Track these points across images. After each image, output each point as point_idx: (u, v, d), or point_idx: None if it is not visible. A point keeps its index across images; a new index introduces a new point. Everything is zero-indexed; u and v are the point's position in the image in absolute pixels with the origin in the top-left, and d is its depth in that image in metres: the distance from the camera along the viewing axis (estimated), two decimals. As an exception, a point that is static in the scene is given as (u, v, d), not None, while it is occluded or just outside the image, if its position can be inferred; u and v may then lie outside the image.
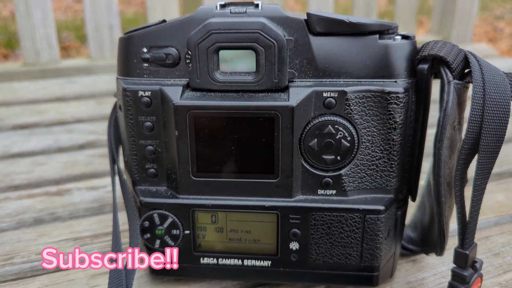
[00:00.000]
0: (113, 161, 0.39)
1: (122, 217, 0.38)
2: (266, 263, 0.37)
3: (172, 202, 0.36)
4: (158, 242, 0.37)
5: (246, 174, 0.35)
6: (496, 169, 0.60)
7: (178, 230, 0.36)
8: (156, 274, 0.38)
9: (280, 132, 0.33)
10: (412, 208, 0.42)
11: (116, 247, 0.35)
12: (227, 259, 0.37)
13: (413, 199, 0.38)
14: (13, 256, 0.45)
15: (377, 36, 0.33)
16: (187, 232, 0.36)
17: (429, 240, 0.40)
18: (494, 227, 0.49)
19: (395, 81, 0.33)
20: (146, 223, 0.36)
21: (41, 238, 0.47)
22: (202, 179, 0.35)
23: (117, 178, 0.40)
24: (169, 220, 0.36)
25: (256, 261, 0.37)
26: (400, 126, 0.34)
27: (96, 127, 0.76)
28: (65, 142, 0.71)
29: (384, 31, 0.33)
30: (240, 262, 0.37)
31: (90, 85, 0.93)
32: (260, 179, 0.35)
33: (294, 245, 0.36)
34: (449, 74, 0.32)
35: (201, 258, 0.37)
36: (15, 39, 2.49)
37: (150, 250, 0.37)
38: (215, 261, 0.37)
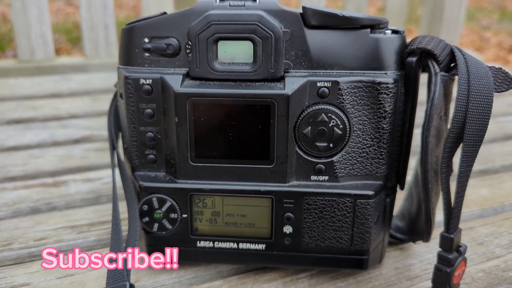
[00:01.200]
0: (113, 147, 0.40)
1: (121, 206, 0.39)
2: (261, 246, 0.38)
3: (170, 186, 0.37)
4: (156, 225, 0.38)
5: (242, 160, 0.36)
6: (480, 166, 0.63)
7: (176, 214, 0.38)
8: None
9: (276, 119, 0.35)
10: (399, 201, 0.43)
11: (117, 234, 0.36)
12: (223, 243, 0.38)
13: (402, 187, 0.40)
14: (11, 242, 0.45)
15: (369, 30, 0.35)
16: (184, 215, 0.38)
17: (416, 228, 0.42)
18: (478, 219, 0.51)
19: (385, 73, 0.35)
20: (145, 207, 0.38)
21: (38, 226, 0.48)
22: (200, 164, 0.37)
23: (116, 170, 0.41)
24: (168, 204, 0.37)
25: (251, 244, 0.38)
26: (389, 115, 0.35)
27: (92, 123, 0.77)
28: (61, 137, 0.71)
29: (375, 25, 0.35)
30: (235, 245, 0.38)
31: (85, 82, 0.94)
32: (256, 165, 0.36)
33: (287, 229, 0.38)
34: (436, 67, 0.34)
35: (198, 242, 0.38)
36: (5, 40, 2.48)
37: (148, 234, 0.39)
38: (211, 244, 0.39)
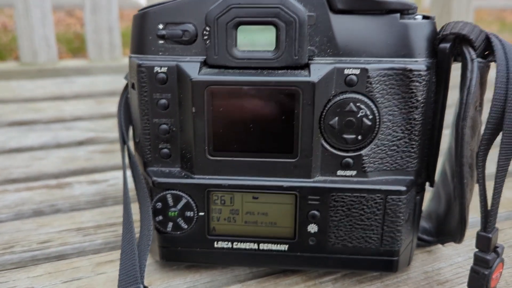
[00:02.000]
0: (123, 142, 0.38)
1: (132, 208, 0.37)
2: (283, 247, 0.36)
3: (186, 182, 0.34)
4: (170, 225, 0.35)
5: (264, 153, 0.34)
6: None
7: (192, 212, 0.35)
8: (166, 260, 0.37)
9: (301, 109, 0.32)
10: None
11: (129, 233, 0.33)
12: (242, 243, 0.36)
13: (431, 184, 0.37)
14: (13, 245, 0.43)
15: (398, 15, 0.33)
16: (201, 214, 0.35)
17: (446, 229, 0.40)
18: (506, 221, 0.48)
19: (416, 61, 0.33)
20: (159, 205, 0.35)
21: (42, 228, 0.46)
22: (218, 158, 0.34)
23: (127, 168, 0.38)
24: (183, 201, 0.35)
25: (273, 245, 0.36)
26: (422, 105, 0.33)
27: (96, 125, 0.75)
28: (64, 139, 0.69)
29: (404, 10, 0.33)
30: (255, 246, 0.36)
31: (88, 85, 0.92)
32: (279, 159, 0.34)
33: (312, 228, 0.35)
34: (472, 52, 0.32)
35: (215, 242, 0.36)
36: (6, 50, 2.47)
37: (161, 234, 0.36)
38: (229, 245, 0.36)
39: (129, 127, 0.39)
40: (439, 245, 0.42)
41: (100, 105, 0.83)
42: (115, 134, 0.71)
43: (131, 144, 0.39)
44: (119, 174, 0.59)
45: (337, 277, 0.38)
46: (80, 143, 0.68)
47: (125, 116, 0.39)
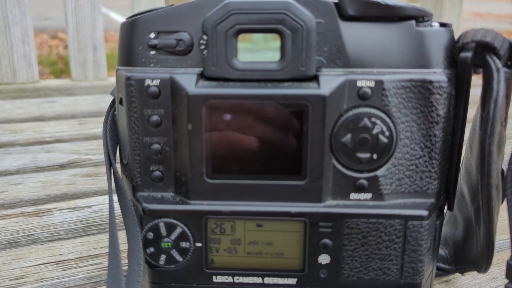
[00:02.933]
0: (109, 164, 0.34)
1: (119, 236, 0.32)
2: (291, 281, 0.32)
3: (182, 208, 0.31)
4: (163, 257, 0.31)
5: (269, 175, 0.30)
6: None
7: (188, 243, 0.31)
8: (158, 297, 0.32)
9: (310, 125, 0.29)
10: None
11: (115, 269, 0.29)
12: (244, 277, 0.32)
13: (450, 207, 0.34)
14: (-18, 282, 0.38)
15: (414, 22, 0.30)
16: (198, 244, 0.31)
17: (465, 257, 0.36)
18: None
19: (434, 72, 0.30)
20: (150, 235, 0.31)
21: (16, 262, 0.41)
22: (218, 181, 0.30)
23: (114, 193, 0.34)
24: (178, 230, 0.31)
25: (279, 278, 0.32)
26: (442, 120, 0.30)
27: (79, 147, 0.70)
28: (44, 162, 0.64)
29: (419, 17, 0.30)
30: (260, 280, 0.32)
31: (71, 105, 0.87)
32: (286, 181, 0.30)
33: (324, 259, 0.31)
34: (498, 62, 0.29)
35: (214, 277, 0.32)
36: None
37: (153, 268, 0.32)
38: (230, 279, 0.32)
39: (116, 148, 0.35)
40: (457, 274, 0.39)
41: (83, 126, 0.79)
42: (99, 156, 0.67)
43: (118, 167, 0.35)
44: (103, 199, 0.54)
45: (350, 313, 0.34)
46: (62, 167, 0.63)
47: (112, 136, 0.35)
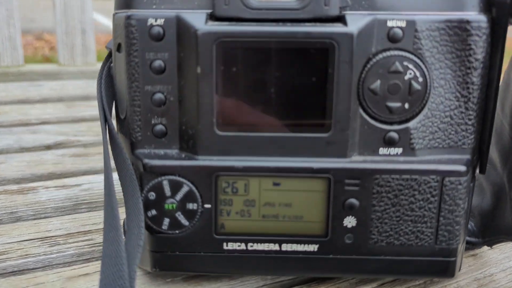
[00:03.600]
0: (105, 120, 0.30)
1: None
2: (312, 247, 0.28)
3: (189, 164, 0.27)
4: (166, 221, 0.27)
5: (288, 126, 0.27)
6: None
7: (195, 204, 0.27)
8: (160, 269, 0.29)
9: (336, 68, 0.26)
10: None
11: (113, 231, 0.25)
12: (259, 244, 0.28)
13: (482, 170, 0.31)
14: (-41, 259, 0.33)
15: None
16: (207, 206, 0.27)
17: (494, 228, 0.33)
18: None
19: (469, 15, 0.27)
20: (152, 195, 0.27)
21: (-3, 238, 0.37)
22: (230, 133, 0.27)
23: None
24: (184, 190, 0.27)
25: (299, 245, 0.28)
26: (481, 65, 0.27)
27: (66, 129, 0.66)
28: (29, 143, 0.60)
29: None
30: (277, 247, 0.28)
31: (58, 89, 0.83)
32: (307, 133, 0.27)
33: (349, 222, 0.27)
34: None
35: (225, 244, 0.28)
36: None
37: (154, 234, 0.28)
38: (243, 246, 0.28)
39: (112, 104, 0.31)
40: (484, 248, 0.36)
41: (71, 109, 0.74)
42: (89, 137, 0.63)
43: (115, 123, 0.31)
44: (94, 178, 0.50)
45: (374, 287, 0.31)
46: (48, 147, 0.59)
47: (107, 90, 0.31)
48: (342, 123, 0.26)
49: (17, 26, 0.88)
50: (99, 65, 0.95)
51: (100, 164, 0.52)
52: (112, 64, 0.31)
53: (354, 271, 0.29)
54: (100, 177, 0.48)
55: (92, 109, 0.73)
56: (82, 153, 0.57)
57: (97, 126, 0.63)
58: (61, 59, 0.93)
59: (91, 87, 0.84)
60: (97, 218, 0.41)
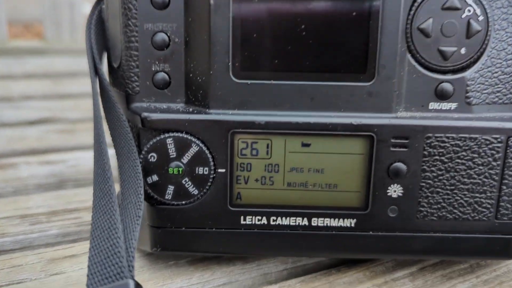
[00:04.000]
0: (95, 69, 0.25)
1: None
2: (348, 222, 0.23)
3: (198, 118, 0.22)
4: (171, 190, 0.22)
5: (322, 73, 0.22)
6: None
7: (206, 168, 0.22)
8: (161, 249, 0.24)
9: (381, 3, 0.21)
10: None
11: (107, 204, 0.20)
12: (284, 218, 0.23)
13: None
14: None
15: None
16: (221, 171, 0.22)
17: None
18: None
19: None
20: (153, 157, 0.22)
21: (-31, 216, 0.31)
22: (250, 81, 0.22)
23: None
24: (193, 150, 0.22)
25: (332, 220, 0.23)
26: None
27: (52, 105, 0.60)
28: (10, 118, 0.55)
29: None
30: (305, 221, 0.23)
31: (44, 66, 0.77)
32: (345, 82, 0.22)
33: (394, 191, 0.23)
34: None
35: (241, 217, 0.23)
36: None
37: (155, 206, 0.23)
38: (264, 221, 0.23)
39: (103, 52, 0.26)
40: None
41: (58, 86, 0.69)
42: (77, 113, 0.57)
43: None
44: (83, 154, 0.45)
45: (414, 272, 0.26)
46: (31, 123, 0.54)
47: (97, 36, 0.26)
48: (387, 69, 0.22)
49: (1, 3, 0.82)
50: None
51: (89, 140, 0.47)
52: (104, 6, 0.25)
53: (396, 251, 0.24)
54: (89, 154, 0.43)
55: (81, 85, 0.68)
56: (68, 129, 0.52)
57: (85, 103, 0.58)
58: (47, 36, 0.87)
59: (79, 65, 0.78)
60: (85, 195, 0.36)
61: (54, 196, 0.35)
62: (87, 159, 0.43)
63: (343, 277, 0.25)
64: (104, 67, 0.26)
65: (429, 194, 0.23)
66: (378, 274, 0.26)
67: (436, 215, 0.23)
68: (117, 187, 0.21)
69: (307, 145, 0.22)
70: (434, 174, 0.22)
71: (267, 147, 0.22)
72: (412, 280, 0.25)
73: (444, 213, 0.23)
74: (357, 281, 0.25)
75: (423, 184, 0.23)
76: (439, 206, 0.23)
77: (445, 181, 0.23)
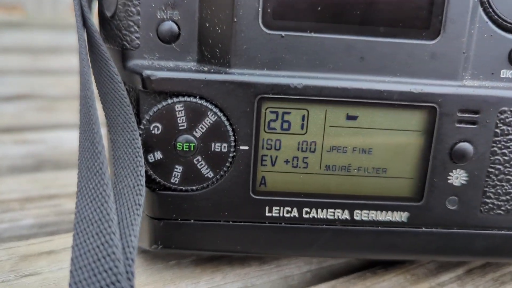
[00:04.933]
0: (83, 20, 0.20)
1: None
2: (399, 217, 0.19)
3: (217, 79, 0.17)
4: (179, 171, 0.17)
5: (375, 27, 0.17)
6: None
7: (225, 144, 0.17)
8: (164, 246, 0.19)
9: None
10: None
11: (96, 169, 0.15)
12: (320, 210, 0.18)
13: None
14: None
15: None
16: (243, 148, 0.18)
17: None
18: None
19: None
20: (156, 128, 0.17)
21: None
22: (284, 32, 0.17)
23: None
24: (209, 120, 0.17)
25: (380, 213, 0.19)
26: None
27: (31, 81, 0.55)
28: (-18, 94, 0.49)
29: None
30: (346, 215, 0.18)
31: (24, 39, 0.71)
32: (403, 39, 0.17)
33: (457, 177, 0.18)
34: None
35: (267, 208, 0.18)
36: None
37: (158, 192, 0.18)
38: (294, 213, 0.18)
39: (93, 1, 0.21)
40: None
41: (38, 62, 0.63)
42: (58, 90, 0.52)
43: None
44: (65, 134, 0.40)
45: (461, 275, 0.22)
46: (8, 99, 0.48)
47: None
48: (456, 25, 0.17)
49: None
50: (71, 18, 0.84)
51: (72, 119, 0.42)
52: None
53: (453, 251, 0.19)
54: (72, 134, 0.38)
55: (63, 61, 0.62)
56: (49, 107, 0.47)
57: (68, 80, 0.52)
58: (28, 8, 0.81)
59: (61, 40, 0.73)
60: (67, 179, 0.31)
61: (30, 179, 0.30)
62: (69, 139, 0.38)
63: (381, 281, 0.21)
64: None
65: (498, 183, 0.18)
66: (420, 277, 0.22)
67: (503, 208, 0.19)
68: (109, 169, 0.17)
69: (354, 117, 0.18)
70: (506, 158, 0.18)
71: (303, 119, 0.18)
72: (461, 285, 0.21)
73: (514, 207, 0.19)
74: (398, 286, 0.21)
75: (492, 170, 0.18)
76: (508, 197, 0.19)
77: (520, 167, 0.18)
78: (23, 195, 0.28)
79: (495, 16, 0.18)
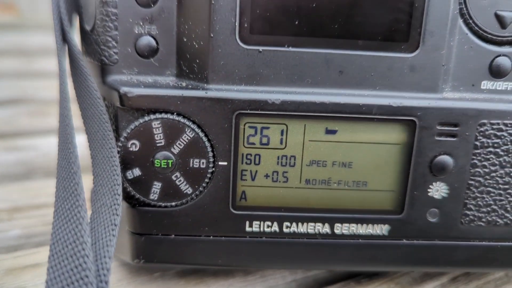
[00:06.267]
0: (62, 35, 0.20)
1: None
2: (379, 230, 0.19)
3: (195, 95, 0.17)
4: (158, 187, 0.18)
5: (352, 40, 0.17)
6: None
7: (203, 160, 0.17)
8: (146, 261, 0.19)
9: None
10: None
11: (71, 210, 0.15)
12: (300, 224, 0.18)
13: None
14: None
15: None
16: (222, 164, 0.18)
17: None
18: None
19: None
20: (134, 145, 0.17)
21: None
22: (261, 47, 0.17)
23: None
24: (187, 137, 0.17)
25: (360, 226, 0.19)
26: None
27: (24, 84, 0.55)
28: (-25, 98, 0.49)
29: None
30: (326, 229, 0.19)
31: (18, 41, 0.71)
32: (382, 52, 0.17)
33: (437, 190, 0.18)
34: None
35: (247, 223, 0.18)
36: None
37: (137, 208, 0.18)
38: (275, 228, 0.18)
39: (72, 12, 0.21)
40: None
41: (32, 64, 0.63)
42: (51, 94, 0.52)
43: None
44: (56, 140, 0.39)
45: (445, 283, 0.22)
46: (-1, 104, 0.48)
47: None
48: (436, 37, 0.17)
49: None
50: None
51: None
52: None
53: (435, 263, 0.19)
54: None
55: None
56: (41, 112, 0.47)
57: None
58: (23, 9, 0.80)
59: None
60: (54, 188, 0.30)
61: (19, 188, 0.30)
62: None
63: (364, 292, 0.21)
64: (76, 35, 0.21)
65: (478, 195, 0.18)
66: (405, 286, 0.22)
67: (484, 220, 0.19)
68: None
69: (333, 131, 0.18)
70: (486, 170, 0.18)
71: (282, 133, 0.18)
72: (445, 295, 0.21)
73: (494, 218, 0.19)
74: (382, 297, 0.21)
75: (472, 182, 0.18)
76: (488, 209, 0.19)
77: (498, 178, 0.18)
78: (12, 205, 0.28)
79: (476, 28, 0.18)
